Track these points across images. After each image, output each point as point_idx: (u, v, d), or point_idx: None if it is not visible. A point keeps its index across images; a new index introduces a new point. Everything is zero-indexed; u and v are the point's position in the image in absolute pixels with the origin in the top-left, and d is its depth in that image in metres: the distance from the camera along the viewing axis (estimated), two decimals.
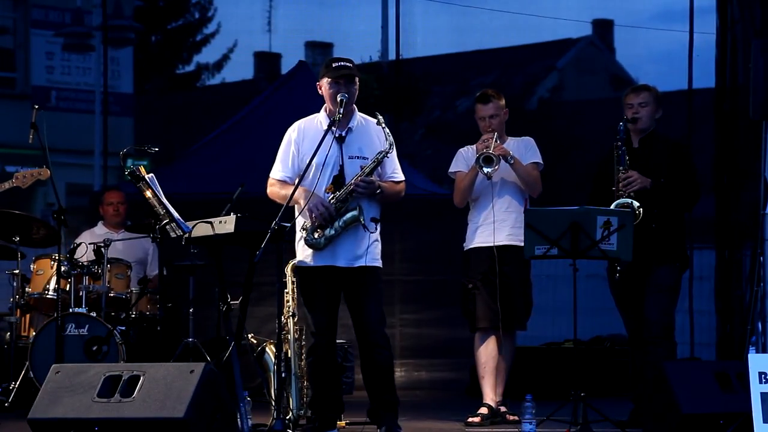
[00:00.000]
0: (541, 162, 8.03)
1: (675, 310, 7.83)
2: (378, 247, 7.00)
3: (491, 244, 7.89)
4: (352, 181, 6.86)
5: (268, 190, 7.09)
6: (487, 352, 7.95)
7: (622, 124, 7.68)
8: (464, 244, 8.08)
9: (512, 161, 7.86)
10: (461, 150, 8.16)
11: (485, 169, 7.77)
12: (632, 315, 7.78)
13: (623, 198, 7.54)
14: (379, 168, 6.99)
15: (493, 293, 7.87)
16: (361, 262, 6.91)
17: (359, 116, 7.05)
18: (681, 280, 7.90)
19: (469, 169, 7.98)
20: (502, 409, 7.97)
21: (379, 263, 7.01)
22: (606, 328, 10.42)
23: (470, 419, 7.87)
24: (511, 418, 7.87)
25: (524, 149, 8.02)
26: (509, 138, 8.09)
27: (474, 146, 8.05)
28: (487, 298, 7.89)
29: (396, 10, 13.20)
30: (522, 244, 7.60)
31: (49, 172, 8.38)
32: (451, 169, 8.15)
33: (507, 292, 7.89)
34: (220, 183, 9.58)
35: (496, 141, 7.87)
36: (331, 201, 6.85)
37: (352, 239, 6.90)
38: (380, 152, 6.92)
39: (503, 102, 8.08)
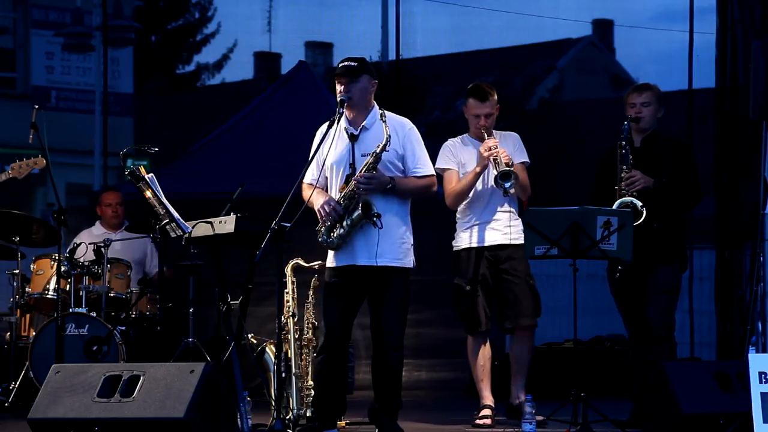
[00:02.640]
0: (528, 160, 7.90)
1: (675, 310, 7.83)
2: (398, 246, 6.89)
3: (486, 244, 7.79)
4: (354, 178, 6.84)
5: (303, 195, 7.00)
6: (484, 355, 7.89)
7: (626, 124, 7.63)
8: (454, 243, 7.95)
9: (512, 167, 7.71)
10: (448, 144, 7.97)
11: (505, 185, 7.59)
12: (632, 315, 7.77)
13: (626, 197, 7.52)
14: (400, 163, 6.93)
15: (488, 297, 7.79)
16: (374, 262, 6.84)
17: (379, 114, 6.94)
18: (681, 280, 7.90)
19: (457, 167, 7.83)
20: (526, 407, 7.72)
21: (398, 263, 6.89)
22: (606, 328, 10.41)
23: (479, 421, 7.75)
24: (539, 418, 7.45)
25: (512, 148, 7.86)
26: (494, 132, 7.87)
27: (460, 139, 7.92)
28: (483, 302, 7.80)
29: (396, 10, 13.21)
30: (516, 241, 7.59)
31: (44, 161, 8.36)
32: (439, 165, 7.85)
33: (510, 289, 7.79)
34: (220, 183, 9.58)
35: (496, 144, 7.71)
36: (340, 200, 6.83)
37: (364, 237, 6.83)
38: (378, 145, 6.87)
39: (496, 96, 7.89)
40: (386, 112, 6.95)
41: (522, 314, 7.83)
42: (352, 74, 6.90)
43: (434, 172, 7.11)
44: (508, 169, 7.60)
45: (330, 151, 6.83)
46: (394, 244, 6.88)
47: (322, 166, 6.90)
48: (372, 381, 7.05)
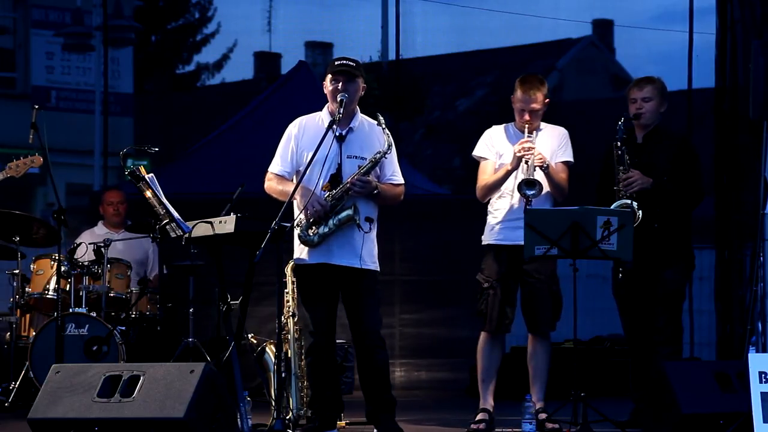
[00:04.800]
0: (572, 160, 7.63)
1: (681, 314, 7.77)
2: (375, 251, 7.00)
3: (512, 243, 7.47)
4: (349, 179, 6.88)
5: (266, 185, 7.10)
6: (493, 356, 7.66)
7: (620, 124, 7.52)
8: (483, 237, 7.67)
9: (547, 169, 7.49)
10: (489, 132, 7.70)
11: (527, 193, 7.38)
12: (634, 319, 7.67)
13: (624, 199, 7.47)
14: (378, 169, 6.99)
15: (509, 296, 7.58)
16: (357, 264, 6.91)
17: (361, 117, 7.06)
18: (686, 282, 7.84)
19: (495, 157, 7.59)
20: (542, 415, 7.50)
21: (376, 267, 7.00)
22: (606, 328, 10.41)
23: (474, 426, 7.52)
24: (551, 426, 7.40)
25: (557, 145, 7.60)
26: (543, 124, 7.64)
27: (504, 127, 7.67)
28: (501, 301, 7.56)
29: (396, 10, 13.21)
30: None
31: (42, 159, 8.33)
32: (477, 153, 7.67)
33: (531, 294, 7.56)
34: (220, 183, 9.59)
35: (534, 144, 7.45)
36: (327, 199, 6.87)
37: (346, 238, 6.90)
38: (378, 152, 6.94)
39: (546, 90, 7.58)
40: (364, 116, 7.04)
41: (539, 321, 7.64)
42: (351, 74, 6.94)
43: (404, 182, 7.14)
44: (532, 177, 7.38)
45: (316, 149, 6.84)
46: (370, 247, 6.96)
47: (308, 164, 6.89)
48: (361, 383, 7.06)
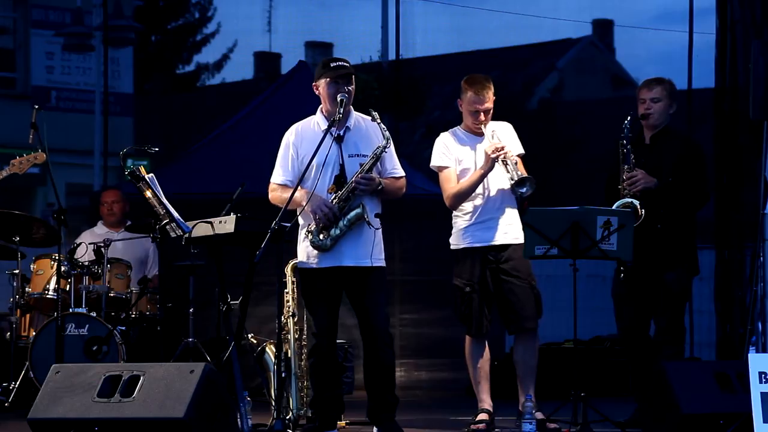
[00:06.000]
0: (523, 151, 7.57)
1: (684, 316, 7.75)
2: (381, 246, 6.99)
3: (486, 244, 7.49)
4: (353, 179, 6.87)
5: (270, 196, 7.07)
6: (483, 357, 7.62)
7: (627, 123, 7.54)
8: (452, 241, 7.67)
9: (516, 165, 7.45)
10: (442, 140, 7.63)
11: (521, 191, 7.31)
12: (634, 320, 7.67)
13: (627, 198, 7.47)
14: (378, 165, 6.98)
15: (487, 299, 7.56)
16: (367, 262, 6.90)
17: (356, 115, 7.07)
18: (690, 285, 7.80)
19: (453, 164, 7.54)
20: (539, 415, 7.41)
21: (383, 263, 7.00)
22: (606, 328, 10.41)
23: (474, 426, 7.51)
24: (551, 426, 7.36)
25: (510, 141, 7.54)
26: (489, 123, 7.53)
27: (452, 133, 7.61)
28: (481, 305, 7.53)
29: (396, 11, 13.21)
30: (517, 241, 7.42)
31: (45, 156, 8.30)
32: (436, 163, 7.61)
33: (512, 292, 7.51)
34: (220, 183, 9.58)
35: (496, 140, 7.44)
36: (334, 201, 6.86)
37: (357, 237, 6.89)
38: (378, 147, 6.92)
39: (493, 87, 7.53)
40: (358, 113, 7.04)
41: (525, 318, 7.55)
42: (350, 76, 6.96)
43: (404, 174, 7.11)
44: (524, 176, 7.33)
45: (317, 152, 6.84)
46: (379, 244, 6.97)
47: (307, 168, 6.89)
48: (365, 380, 7.04)
